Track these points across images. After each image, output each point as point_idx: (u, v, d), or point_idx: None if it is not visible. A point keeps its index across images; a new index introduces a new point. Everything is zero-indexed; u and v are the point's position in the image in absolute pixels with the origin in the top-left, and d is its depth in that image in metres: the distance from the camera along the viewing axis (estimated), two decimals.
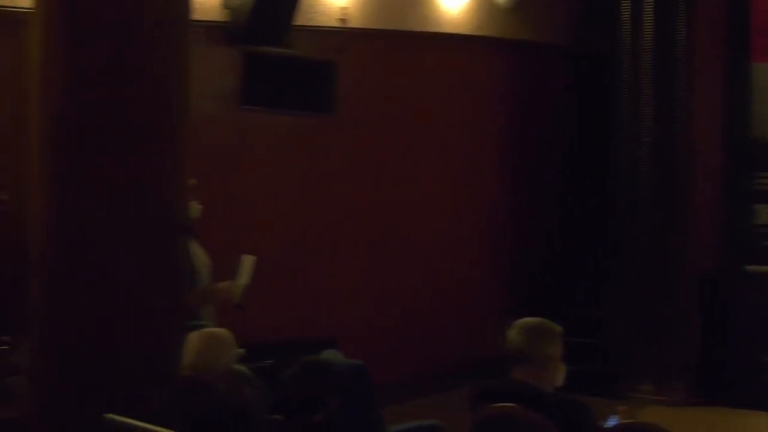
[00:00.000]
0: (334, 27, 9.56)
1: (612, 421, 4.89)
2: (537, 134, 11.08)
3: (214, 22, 8.82)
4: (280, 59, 9.22)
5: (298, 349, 6.58)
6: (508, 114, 10.89)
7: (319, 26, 9.47)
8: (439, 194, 10.37)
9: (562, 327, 4.73)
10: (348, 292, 9.67)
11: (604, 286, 10.29)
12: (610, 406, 5.20)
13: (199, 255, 7.23)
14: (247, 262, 7.94)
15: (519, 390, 4.58)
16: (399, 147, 10.10)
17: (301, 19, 9.09)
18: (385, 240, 9.99)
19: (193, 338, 4.86)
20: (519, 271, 10.87)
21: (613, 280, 10.07)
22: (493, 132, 10.82)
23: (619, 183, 9.98)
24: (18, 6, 7.20)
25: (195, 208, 6.34)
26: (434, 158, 10.37)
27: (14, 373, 7.00)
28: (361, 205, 9.83)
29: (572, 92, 11.17)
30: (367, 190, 9.88)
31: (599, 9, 10.63)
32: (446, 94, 10.39)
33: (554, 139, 11.16)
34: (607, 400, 7.47)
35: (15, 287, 6.30)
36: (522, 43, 10.88)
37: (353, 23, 9.66)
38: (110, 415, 4.66)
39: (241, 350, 5.71)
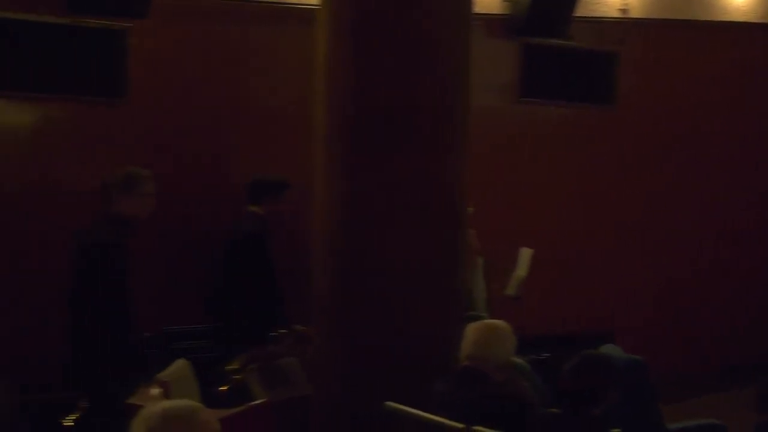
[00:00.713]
0: (614, 18, 9.42)
1: None
2: None
3: (495, 14, 8.86)
4: (560, 51, 9.16)
5: (574, 343, 6.54)
6: None
7: (599, 17, 9.35)
8: (721, 189, 10.06)
9: None
10: (625, 286, 9.52)
11: None
12: None
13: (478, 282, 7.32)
14: (525, 254, 7.97)
15: None
16: (680, 140, 9.85)
17: (581, 10, 9.00)
18: (664, 235, 9.78)
19: (472, 329, 4.90)
20: None
21: None
22: None
23: None
24: (306, 4, 7.45)
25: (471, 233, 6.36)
26: (718, 152, 10.06)
27: (285, 356, 7.25)
28: (638, 199, 9.65)
29: None
30: (645, 184, 9.69)
31: None
32: (732, 85, 10.05)
33: None
34: None
35: (297, 281, 6.56)
36: None
37: (634, 13, 9.49)
38: (389, 403, 4.75)
39: None
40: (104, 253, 6.20)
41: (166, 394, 5.30)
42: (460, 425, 4.34)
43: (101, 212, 6.42)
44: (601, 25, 9.38)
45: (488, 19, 8.67)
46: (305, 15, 7.04)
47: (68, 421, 6.01)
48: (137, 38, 7.50)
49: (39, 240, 7.22)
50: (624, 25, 9.45)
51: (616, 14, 9.41)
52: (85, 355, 6.19)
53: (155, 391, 5.32)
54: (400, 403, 4.71)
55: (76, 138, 7.39)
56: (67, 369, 6.39)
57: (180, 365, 6.32)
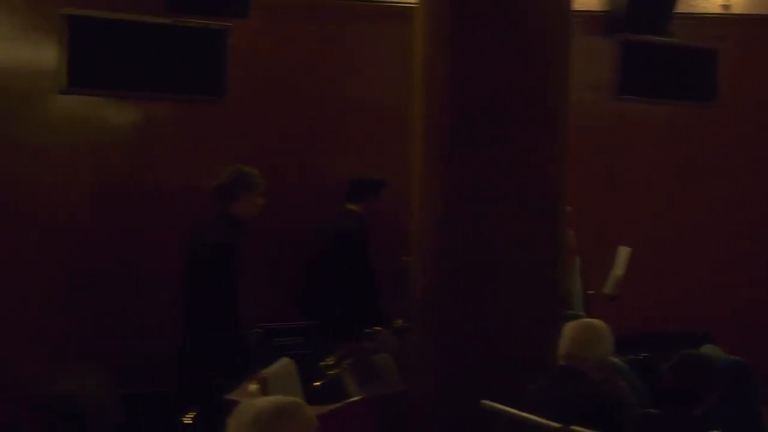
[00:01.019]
0: (716, 14, 9.28)
1: None
2: None
3: (594, 11, 8.79)
4: (660, 48, 9.05)
5: (672, 342, 6.45)
6: None
7: (700, 13, 9.21)
8: None
9: None
10: (723, 285, 9.36)
11: None
12: None
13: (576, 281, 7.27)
14: (624, 253, 7.89)
15: None
16: None
17: (681, 7, 8.89)
18: (766, 233, 9.61)
19: (570, 328, 4.87)
20: None
21: None
22: None
23: None
24: (404, 1, 7.47)
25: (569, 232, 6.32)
26: None
27: (379, 352, 7.29)
28: (738, 197, 9.48)
29: None
30: (745, 182, 9.52)
31: None
32: None
33: None
34: None
35: (396, 278, 6.58)
36: None
37: (736, 9, 9.33)
38: (486, 402, 4.75)
39: None
40: (220, 251, 6.31)
41: (264, 391, 5.35)
42: (556, 425, 4.31)
43: (216, 211, 6.52)
44: (702, 21, 9.24)
45: (587, 16, 8.60)
46: (403, 12, 7.05)
47: (187, 419, 6.13)
48: (237, 38, 7.59)
49: (141, 238, 7.36)
50: (726, 22, 9.30)
51: (717, 10, 9.27)
52: (195, 351, 6.31)
53: (253, 387, 5.38)
54: (496, 401, 4.70)
55: (176, 137, 7.52)
56: (180, 364, 6.54)
57: (284, 363, 6.41)
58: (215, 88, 7.57)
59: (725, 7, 9.26)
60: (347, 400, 5.16)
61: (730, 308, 9.33)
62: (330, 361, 6.85)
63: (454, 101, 5.57)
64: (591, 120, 8.63)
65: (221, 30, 7.53)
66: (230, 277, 6.31)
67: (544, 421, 4.39)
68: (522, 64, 5.49)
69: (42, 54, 7.08)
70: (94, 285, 7.28)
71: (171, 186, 7.46)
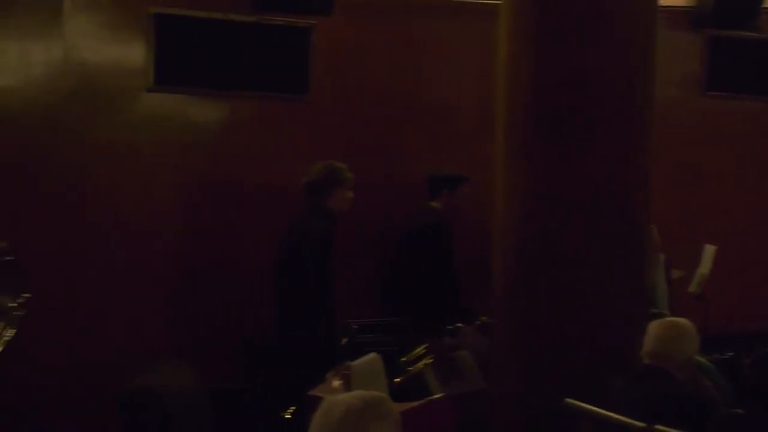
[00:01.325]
0: None
1: None
2: None
3: (679, 7, 8.68)
4: (748, 43, 8.92)
5: (759, 341, 6.35)
6: None
7: None
8: None
9: None
10: None
11: None
12: None
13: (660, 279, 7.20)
14: (709, 251, 7.80)
15: None
16: None
17: None
18: None
19: (655, 327, 4.82)
20: None
21: None
22: None
23: None
24: None
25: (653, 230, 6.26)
26: None
27: (460, 348, 7.28)
28: None
29: None
30: None
31: None
32: None
33: None
34: None
35: (478, 275, 6.58)
36: None
37: None
38: (570, 400, 4.72)
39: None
40: (316, 245, 6.43)
41: (347, 386, 5.37)
42: (641, 424, 4.27)
43: (308, 206, 6.63)
44: None
45: (673, 12, 8.49)
46: (487, 10, 7.05)
47: (287, 414, 6.21)
48: (320, 35, 7.63)
49: (226, 235, 7.43)
50: None
51: None
52: (289, 346, 6.40)
53: (336, 382, 5.40)
54: (580, 400, 4.67)
55: (260, 134, 7.58)
56: (273, 359, 6.63)
57: (372, 358, 6.46)
58: (299, 85, 7.62)
59: None
60: (428, 398, 5.14)
61: None
62: (411, 357, 6.88)
63: (537, 99, 5.54)
64: (677, 116, 8.53)
65: (305, 28, 7.59)
66: (325, 271, 6.41)
67: (629, 421, 4.35)
68: (607, 61, 5.45)
69: (129, 52, 7.19)
70: (181, 282, 7.38)
71: (255, 183, 7.53)
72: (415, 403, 5.03)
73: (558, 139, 5.49)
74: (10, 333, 5.77)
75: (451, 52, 8.12)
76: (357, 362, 6.50)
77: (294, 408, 6.17)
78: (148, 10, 7.16)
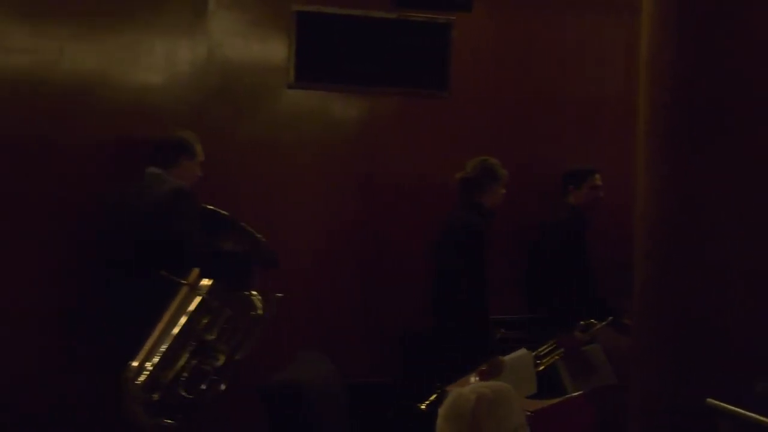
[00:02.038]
0: None
1: None
2: None
3: None
4: None
5: None
6: None
7: None
8: None
9: None
10: None
11: None
12: None
13: None
14: None
15: None
16: None
17: None
18: None
19: None
20: None
21: None
22: None
23: None
24: None
25: None
26: None
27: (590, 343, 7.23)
28: None
29: None
30: None
31: None
32: None
33: None
34: None
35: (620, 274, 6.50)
36: None
37: None
38: (712, 400, 4.62)
39: None
40: (472, 240, 6.70)
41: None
42: None
43: (461, 202, 6.89)
44: None
45: None
46: (628, 3, 6.94)
47: (423, 405, 6.28)
48: (460, 31, 7.62)
49: (369, 232, 7.47)
50: None
51: None
52: (445, 340, 6.62)
53: (474, 379, 5.40)
54: (723, 401, 4.57)
55: (400, 130, 7.61)
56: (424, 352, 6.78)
57: (522, 354, 6.54)
58: (439, 81, 7.63)
59: None
60: (567, 396, 5.10)
61: None
62: (540, 351, 6.88)
63: (678, 97, 5.42)
64: None
65: (445, 24, 7.59)
66: (479, 266, 6.49)
67: None
68: (754, 58, 5.28)
69: (271, 50, 7.29)
70: (328, 277, 7.46)
71: (396, 179, 7.56)
72: (554, 401, 5.00)
73: (700, 139, 5.34)
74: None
75: (594, 46, 8.02)
76: (508, 357, 6.59)
77: (431, 399, 6.22)
78: (290, 8, 7.24)
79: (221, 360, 5.78)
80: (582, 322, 7.21)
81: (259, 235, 6.21)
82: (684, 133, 5.40)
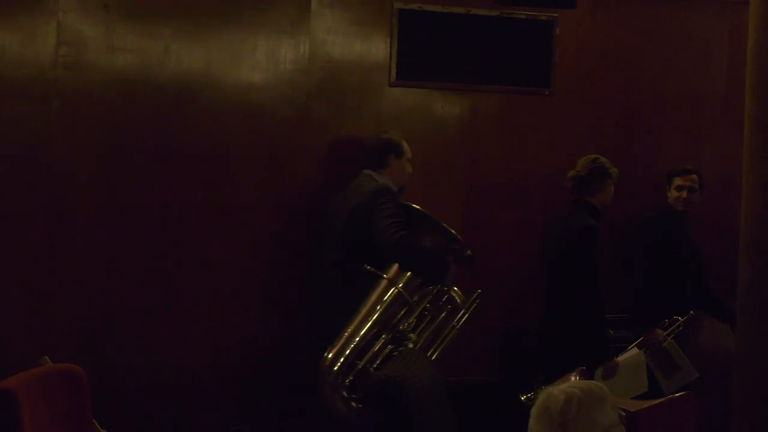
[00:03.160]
0: None
1: None
2: None
3: None
4: None
5: None
6: None
7: None
8: None
9: None
10: None
11: None
12: None
13: None
14: None
15: None
16: None
17: None
18: None
19: None
20: None
21: None
22: None
23: None
24: None
25: None
26: None
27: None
28: None
29: None
30: None
31: None
32: None
33: None
34: None
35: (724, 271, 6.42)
36: None
37: None
38: None
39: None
40: (586, 238, 6.74)
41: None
42: None
43: (572, 201, 6.97)
44: None
45: None
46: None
47: (524, 397, 6.34)
48: (564, 28, 7.58)
49: (474, 230, 7.43)
50: None
51: None
52: (560, 339, 6.72)
53: (573, 378, 5.36)
54: None
55: (503, 129, 7.58)
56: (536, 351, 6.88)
57: (635, 354, 6.61)
58: (542, 79, 7.59)
59: None
60: (669, 396, 5.04)
61: None
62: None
63: None
64: None
65: (548, 21, 7.54)
66: (595, 266, 6.68)
67: None
68: None
69: (373, 48, 7.31)
70: None
71: (498, 176, 7.53)
72: (656, 401, 4.96)
73: None
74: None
75: (699, 42, 7.91)
76: (622, 357, 6.65)
77: (533, 393, 6.24)
78: (392, 6, 7.27)
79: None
80: (666, 320, 7.18)
81: (454, 232, 6.43)
82: None
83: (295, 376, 6.85)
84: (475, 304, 6.58)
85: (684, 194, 7.40)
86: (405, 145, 6.79)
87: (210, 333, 6.89)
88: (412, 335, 6.19)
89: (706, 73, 7.91)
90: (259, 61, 7.04)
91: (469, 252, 6.52)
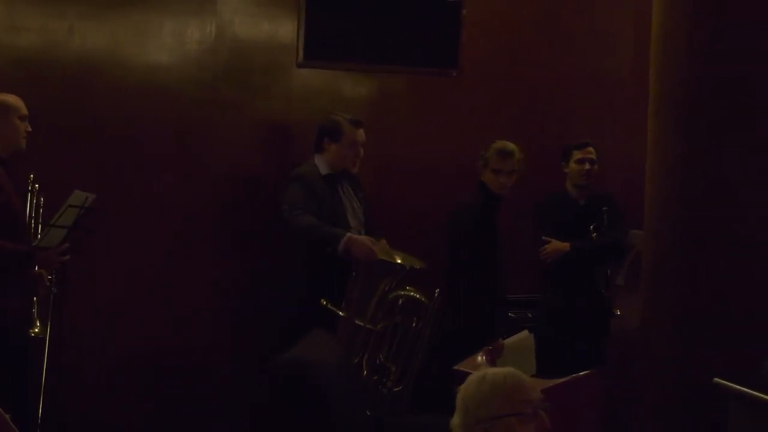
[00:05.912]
0: None
1: None
2: None
3: None
4: None
5: None
6: None
7: None
8: None
9: None
10: None
11: None
12: None
13: None
14: None
15: None
16: None
17: None
18: None
19: None
20: None
21: None
22: None
23: None
24: None
25: None
26: None
27: None
28: None
29: None
30: None
31: None
32: None
33: None
34: None
35: None
36: None
37: None
38: (719, 380, 4.61)
39: None
40: (475, 221, 6.70)
41: (491, 363, 5.36)
42: None
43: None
44: None
45: None
46: None
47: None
48: (471, 7, 7.59)
49: (376, 208, 7.43)
50: None
51: None
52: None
53: (480, 358, 5.41)
54: (730, 380, 4.56)
55: (410, 109, 7.57)
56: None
57: (524, 336, 6.58)
58: (449, 59, 7.59)
59: None
60: (574, 375, 5.08)
61: None
62: None
63: (692, 75, 5.35)
64: None
65: (456, 1, 7.54)
66: (480, 249, 6.64)
67: None
68: None
69: (280, 28, 7.27)
70: None
71: (405, 158, 7.52)
72: (562, 380, 5.00)
73: (713, 120, 5.29)
74: None
75: (604, 22, 7.95)
76: (509, 339, 6.60)
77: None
78: None
79: None
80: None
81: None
82: (698, 111, 5.35)
83: None
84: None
85: (586, 166, 7.37)
86: (346, 128, 6.63)
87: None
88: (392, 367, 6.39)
89: (616, 52, 7.93)
90: (166, 41, 6.98)
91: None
